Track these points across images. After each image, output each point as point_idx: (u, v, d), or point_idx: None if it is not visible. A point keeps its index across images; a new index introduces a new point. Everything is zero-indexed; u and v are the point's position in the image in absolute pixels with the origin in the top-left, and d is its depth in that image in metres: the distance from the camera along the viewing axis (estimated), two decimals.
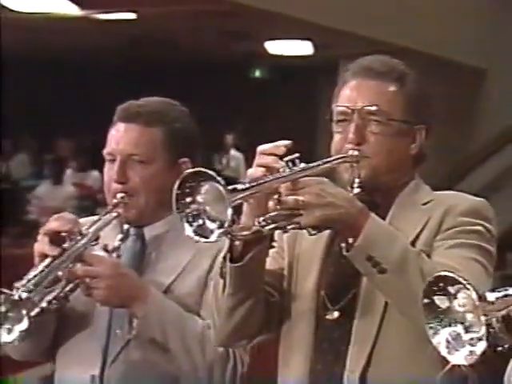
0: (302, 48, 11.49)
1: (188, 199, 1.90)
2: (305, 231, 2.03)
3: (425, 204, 2.16)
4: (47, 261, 2.29)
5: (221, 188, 1.85)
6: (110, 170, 2.42)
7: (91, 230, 2.35)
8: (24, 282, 2.27)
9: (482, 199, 2.17)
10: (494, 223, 2.14)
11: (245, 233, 2.01)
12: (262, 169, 1.98)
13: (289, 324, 2.18)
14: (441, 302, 1.60)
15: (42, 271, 2.29)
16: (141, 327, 2.34)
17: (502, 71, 10.61)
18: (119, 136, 2.43)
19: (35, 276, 2.28)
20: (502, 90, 10.56)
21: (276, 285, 2.18)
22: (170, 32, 10.68)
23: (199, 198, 1.90)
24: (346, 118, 2.15)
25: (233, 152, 12.28)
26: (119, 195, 2.39)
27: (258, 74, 13.43)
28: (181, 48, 11.30)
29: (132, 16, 10.46)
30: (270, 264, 2.15)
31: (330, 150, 2.17)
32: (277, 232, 2.07)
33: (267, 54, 12.11)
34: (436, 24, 9.83)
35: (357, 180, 2.10)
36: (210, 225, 1.91)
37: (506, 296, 1.58)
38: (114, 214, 2.38)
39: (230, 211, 1.85)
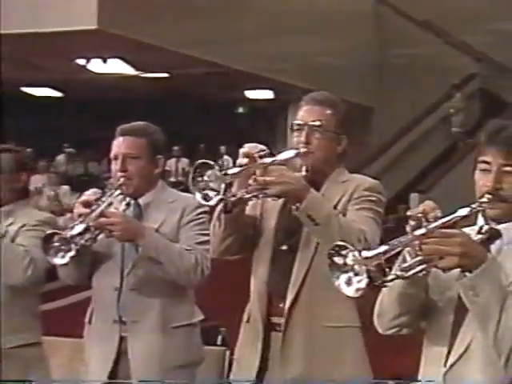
0: (267, 94, 11.42)
1: (199, 179, 1.90)
2: (270, 198, 2.04)
3: (343, 182, 2.14)
4: (82, 218, 2.25)
5: (217, 172, 1.88)
6: (115, 165, 2.38)
7: (107, 199, 2.31)
8: (70, 227, 2.25)
9: (376, 180, 2.17)
10: (383, 194, 2.13)
11: (232, 199, 1.99)
12: (247, 159, 1.97)
13: (258, 250, 2.16)
14: (338, 260, 1.56)
15: (82, 222, 2.24)
16: (143, 251, 2.30)
17: (386, 108, 10.54)
18: (120, 144, 2.39)
19: (75, 226, 2.24)
20: (385, 122, 10.52)
21: (252, 224, 2.16)
22: (190, 85, 10.62)
23: (205, 178, 1.90)
24: (300, 128, 2.13)
25: (225, 157, 12.20)
26: (122, 179, 2.35)
27: (240, 110, 13.31)
28: (194, 96, 11.25)
29: (166, 75, 10.42)
30: (249, 211, 2.14)
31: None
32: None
33: (246, 98, 12.03)
34: (334, 73, 9.74)
35: (304, 167, 2.08)
36: (211, 194, 1.91)
37: (377, 254, 1.53)
38: (118, 191, 2.35)
39: (223, 186, 1.87)
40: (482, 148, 1.65)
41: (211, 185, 1.89)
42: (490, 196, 1.61)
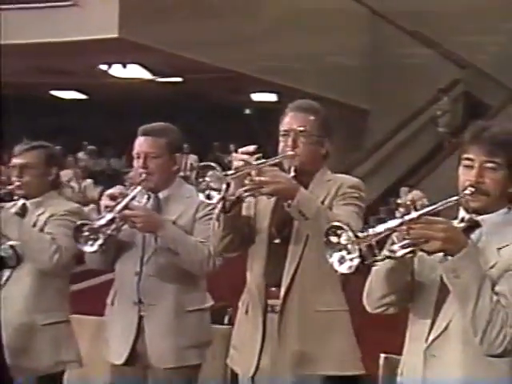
0: (271, 97, 11.36)
1: (201, 179, 1.89)
2: (265, 196, 2.02)
3: (328, 181, 2.13)
4: (109, 209, 2.26)
5: (218, 173, 1.86)
6: (137, 163, 2.37)
7: (131, 193, 2.31)
8: (98, 218, 2.26)
9: (358, 179, 2.16)
10: (364, 192, 2.12)
11: (231, 198, 1.97)
12: (242, 162, 1.95)
13: (254, 245, 2.14)
14: (333, 239, 1.55)
15: (109, 213, 2.25)
16: (162, 242, 2.30)
17: (382, 111, 10.51)
18: (141, 143, 2.38)
19: (102, 217, 2.25)
20: (379, 123, 10.49)
21: (247, 223, 2.15)
22: (201, 89, 10.62)
23: (207, 179, 1.88)
24: (287, 134, 2.12)
25: (233, 154, 12.10)
26: (143, 175, 2.35)
27: (247, 111, 13.27)
28: (205, 98, 11.24)
29: (179, 79, 10.40)
30: (243, 211, 2.11)
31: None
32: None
33: (252, 101, 11.98)
34: (333, 77, 9.64)
35: (292, 168, 2.07)
36: (213, 193, 1.90)
37: (369, 235, 1.52)
38: (140, 187, 2.35)
39: (224, 186, 1.86)
40: (466, 146, 1.66)
41: (212, 185, 1.89)
42: (472, 189, 1.62)
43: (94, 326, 2.90)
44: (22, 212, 2.52)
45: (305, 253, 2.06)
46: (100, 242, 2.21)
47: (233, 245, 2.12)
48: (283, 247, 2.09)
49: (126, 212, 2.25)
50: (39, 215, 2.51)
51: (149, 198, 2.39)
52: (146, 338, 2.32)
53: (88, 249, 2.23)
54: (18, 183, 2.52)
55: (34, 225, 2.48)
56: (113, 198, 2.28)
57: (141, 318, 2.33)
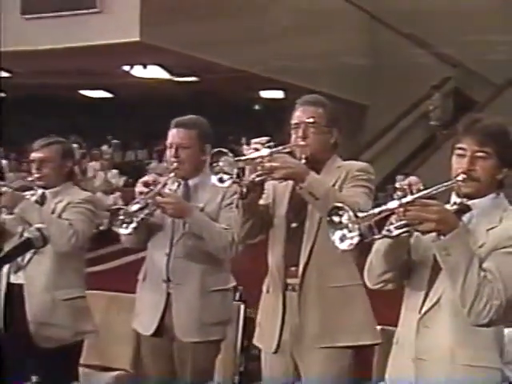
0: (279, 94, 11.30)
1: (215, 164, 1.87)
2: (277, 182, 2.00)
3: (338, 167, 2.10)
4: (143, 195, 2.26)
5: (231, 159, 1.83)
6: (170, 152, 2.35)
7: (163, 181, 2.30)
8: (133, 203, 2.26)
9: (367, 163, 2.14)
10: (372, 174, 2.10)
11: (244, 182, 1.95)
12: (254, 150, 1.93)
13: (273, 230, 2.12)
14: (335, 218, 1.54)
15: (142, 199, 2.25)
16: (189, 227, 2.29)
17: (378, 105, 10.43)
18: (174, 134, 2.35)
19: (137, 202, 2.25)
20: (377, 117, 10.42)
21: (266, 211, 2.12)
22: (215, 88, 10.58)
23: (221, 163, 1.86)
24: (297, 126, 2.09)
25: (245, 146, 12.05)
26: (175, 164, 2.33)
27: (257, 107, 13.21)
28: (219, 96, 11.21)
29: (196, 79, 10.37)
30: (262, 201, 2.09)
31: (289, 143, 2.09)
32: (266, 185, 2.03)
33: (261, 97, 11.92)
34: (333, 74, 9.57)
35: (303, 156, 2.05)
36: (225, 177, 1.87)
37: (368, 215, 1.52)
38: (173, 174, 2.34)
39: (235, 170, 1.83)
40: (459, 137, 1.65)
41: (225, 169, 1.87)
42: (464, 176, 1.61)
43: (106, 301, 2.94)
44: (41, 200, 2.56)
45: (319, 233, 2.03)
46: (134, 225, 2.20)
47: (254, 230, 2.09)
48: (300, 230, 2.06)
49: (158, 198, 2.23)
50: (57, 203, 2.52)
51: (179, 185, 2.36)
52: (172, 313, 2.32)
53: (123, 231, 2.22)
54: (37, 175, 2.55)
55: (53, 212, 2.51)
56: (146, 184, 2.26)
57: (169, 294, 2.32)
